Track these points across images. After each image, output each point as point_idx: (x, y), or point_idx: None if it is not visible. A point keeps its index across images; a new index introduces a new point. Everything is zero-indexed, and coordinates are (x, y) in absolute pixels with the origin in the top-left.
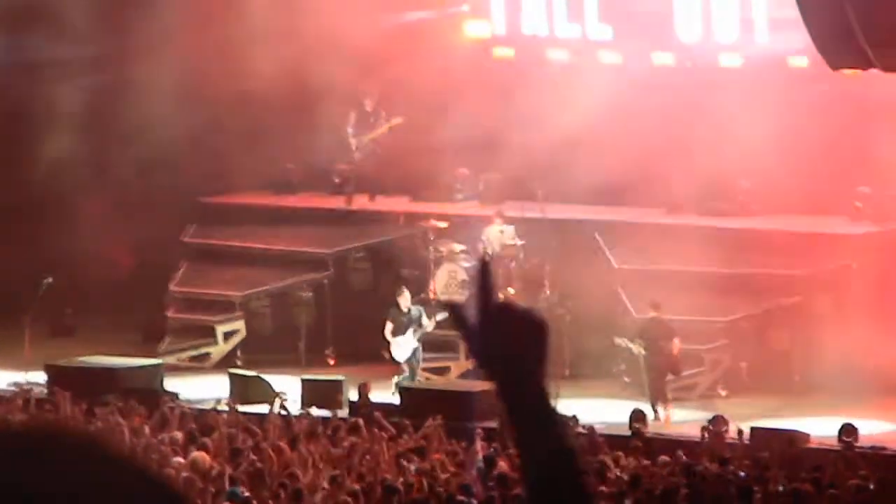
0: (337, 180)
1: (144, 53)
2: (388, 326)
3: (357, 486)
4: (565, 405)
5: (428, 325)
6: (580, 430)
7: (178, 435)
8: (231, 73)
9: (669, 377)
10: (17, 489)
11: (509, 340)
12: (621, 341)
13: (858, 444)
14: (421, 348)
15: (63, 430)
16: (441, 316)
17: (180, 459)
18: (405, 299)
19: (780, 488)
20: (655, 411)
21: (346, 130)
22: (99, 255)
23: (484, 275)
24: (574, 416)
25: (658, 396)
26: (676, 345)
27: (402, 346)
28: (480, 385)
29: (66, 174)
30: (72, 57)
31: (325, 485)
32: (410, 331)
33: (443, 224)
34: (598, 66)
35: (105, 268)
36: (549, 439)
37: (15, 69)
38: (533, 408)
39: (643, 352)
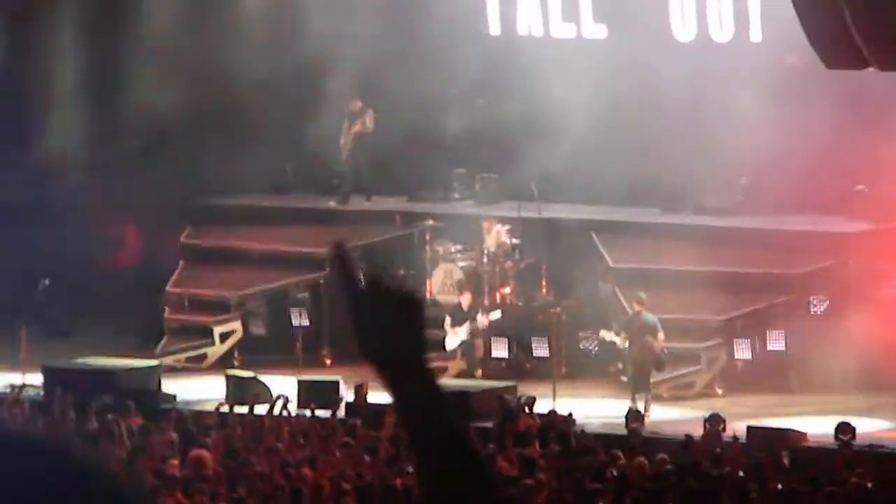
0: (335, 181)
1: (142, 53)
2: (448, 319)
3: (354, 487)
4: (562, 404)
5: (482, 321)
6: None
7: (175, 436)
8: (229, 71)
9: (654, 374)
10: None
11: (381, 323)
12: (606, 335)
13: (855, 443)
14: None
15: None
16: (495, 315)
17: (176, 461)
18: (466, 298)
19: (778, 486)
20: (634, 404)
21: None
22: (107, 240)
23: (340, 258)
24: (570, 415)
25: (640, 390)
26: (660, 340)
27: (454, 338)
28: (477, 385)
29: (61, 174)
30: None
31: (323, 485)
32: (466, 324)
33: (439, 224)
34: (594, 67)
35: (113, 253)
36: (440, 425)
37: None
38: (419, 393)
39: (627, 345)
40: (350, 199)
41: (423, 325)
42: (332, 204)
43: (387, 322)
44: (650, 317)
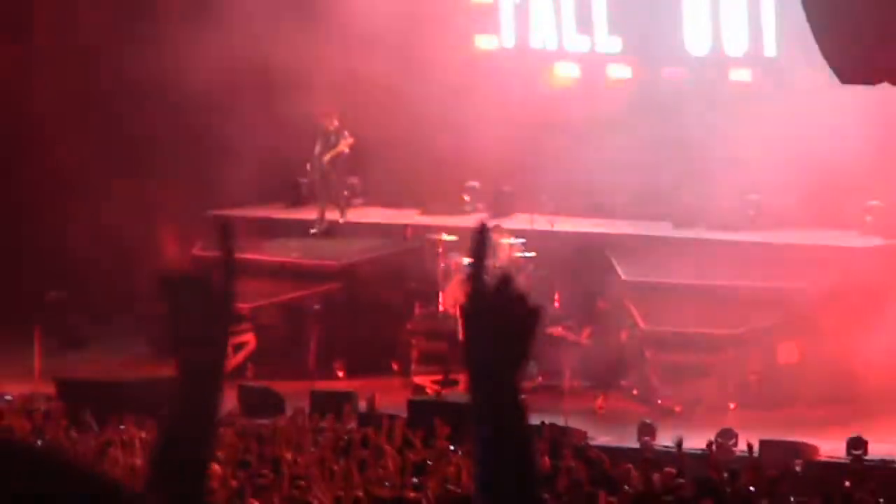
0: (346, 193)
1: (149, 63)
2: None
3: (366, 499)
4: (574, 418)
5: None
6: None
7: None
8: (243, 85)
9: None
10: None
11: (497, 333)
12: None
13: (867, 458)
14: None
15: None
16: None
17: None
18: None
19: (791, 500)
20: None
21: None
22: (146, 239)
23: (478, 248)
24: (584, 433)
25: None
26: None
27: None
28: None
29: (69, 187)
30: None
31: (335, 497)
32: None
33: (452, 237)
34: (607, 80)
35: (151, 255)
36: (515, 439)
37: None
38: (507, 405)
39: None
40: (362, 210)
41: (533, 343)
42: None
43: (504, 332)
44: None
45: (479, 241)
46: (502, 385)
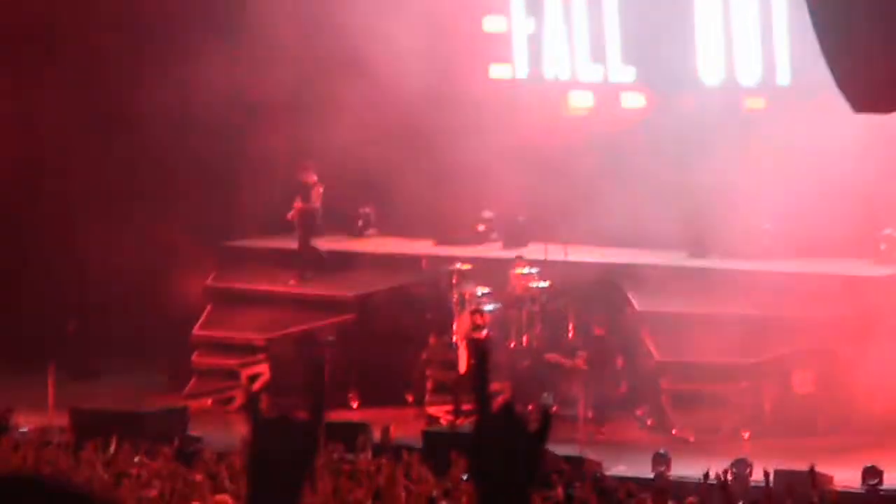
0: (360, 223)
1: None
2: None
3: None
4: (590, 450)
5: None
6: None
7: (201, 478)
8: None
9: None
10: None
11: (503, 451)
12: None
13: (883, 488)
14: None
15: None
16: None
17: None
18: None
19: None
20: None
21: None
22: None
23: (479, 365)
24: (600, 463)
25: None
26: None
27: None
28: None
29: (83, 218)
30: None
31: None
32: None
33: (466, 267)
34: (620, 109)
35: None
36: None
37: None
38: None
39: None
40: (375, 240)
41: (540, 464)
42: (358, 247)
43: (513, 451)
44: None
45: (481, 367)
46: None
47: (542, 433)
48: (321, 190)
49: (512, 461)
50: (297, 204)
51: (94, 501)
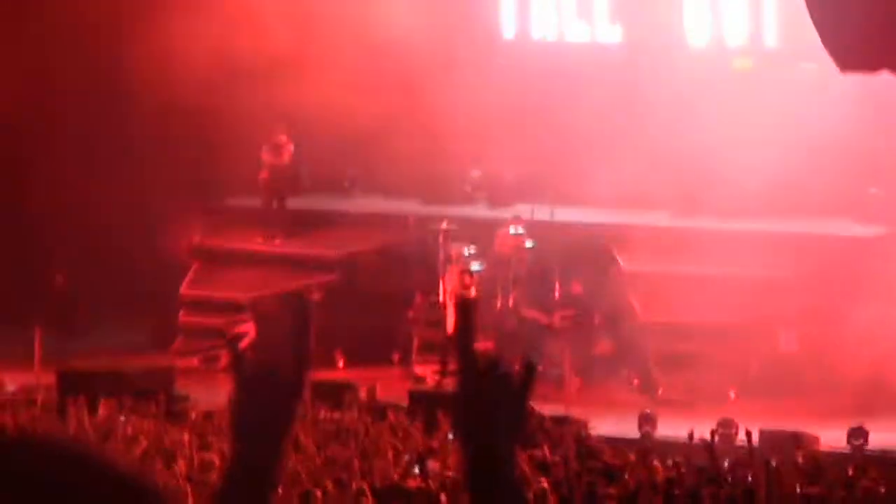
0: (346, 183)
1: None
2: None
3: (365, 488)
4: (576, 410)
5: None
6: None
7: (188, 437)
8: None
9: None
10: None
11: (488, 409)
12: None
13: (868, 448)
14: None
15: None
16: None
17: (187, 461)
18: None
19: (796, 490)
20: None
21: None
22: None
23: (464, 322)
24: (585, 422)
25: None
26: None
27: None
28: None
29: (71, 175)
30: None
31: (331, 487)
32: None
33: (453, 226)
34: (609, 68)
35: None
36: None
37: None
38: (496, 479)
39: None
40: (359, 202)
41: (526, 415)
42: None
43: (497, 408)
44: None
45: (466, 324)
46: (498, 463)
47: (526, 388)
48: (291, 149)
49: (497, 418)
50: (265, 162)
51: (88, 458)
